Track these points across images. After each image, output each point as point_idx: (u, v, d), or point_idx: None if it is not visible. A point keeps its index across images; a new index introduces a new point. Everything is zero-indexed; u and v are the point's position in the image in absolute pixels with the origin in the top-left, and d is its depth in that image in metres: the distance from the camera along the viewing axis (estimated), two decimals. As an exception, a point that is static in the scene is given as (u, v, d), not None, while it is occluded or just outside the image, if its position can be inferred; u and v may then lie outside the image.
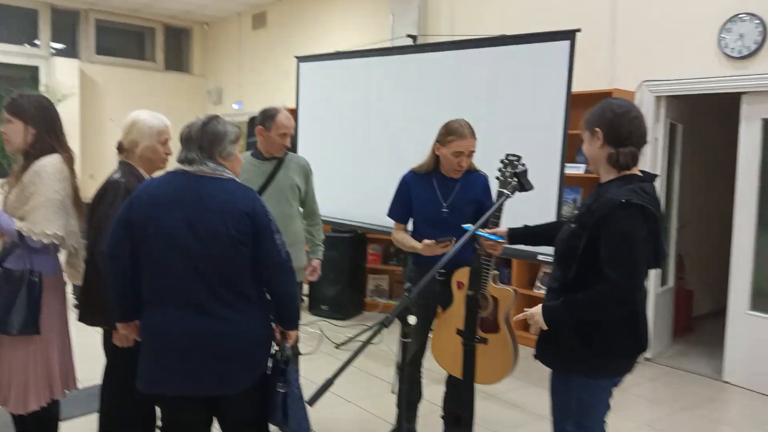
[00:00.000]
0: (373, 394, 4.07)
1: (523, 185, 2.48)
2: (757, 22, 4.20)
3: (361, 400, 3.95)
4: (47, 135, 2.55)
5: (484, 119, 3.81)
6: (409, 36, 5.88)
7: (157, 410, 2.66)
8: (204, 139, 2.18)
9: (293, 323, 2.34)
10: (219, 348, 2.12)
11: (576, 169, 4.87)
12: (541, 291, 5.13)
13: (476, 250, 2.78)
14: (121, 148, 2.67)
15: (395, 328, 1.94)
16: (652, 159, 4.76)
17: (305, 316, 5.82)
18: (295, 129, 3.34)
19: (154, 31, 10.01)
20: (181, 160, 2.20)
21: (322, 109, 5.67)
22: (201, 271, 2.10)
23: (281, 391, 2.24)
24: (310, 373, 3.81)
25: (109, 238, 2.21)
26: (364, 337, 5.06)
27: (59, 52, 9.19)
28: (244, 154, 3.14)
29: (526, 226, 2.62)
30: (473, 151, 2.96)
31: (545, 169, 3.92)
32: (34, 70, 8.96)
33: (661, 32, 4.72)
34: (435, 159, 3.02)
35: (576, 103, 4.02)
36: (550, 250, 3.91)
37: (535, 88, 4.16)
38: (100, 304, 2.48)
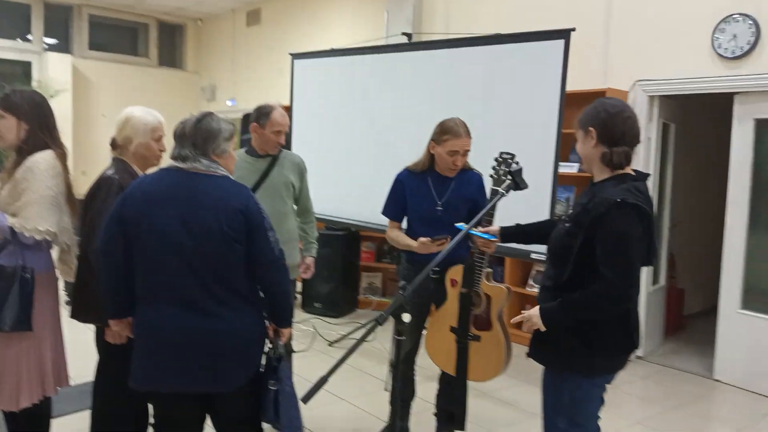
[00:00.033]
0: (366, 391, 4.08)
1: (518, 184, 2.49)
2: (750, 22, 4.22)
3: (355, 397, 3.96)
4: (40, 131, 2.54)
5: (478, 118, 3.82)
6: (404, 34, 5.88)
7: (150, 407, 2.66)
8: (198, 136, 2.18)
9: (287, 321, 2.34)
10: (213, 345, 2.12)
11: (569, 168, 4.89)
12: (533, 289, 5.15)
13: (470, 248, 2.79)
14: (114, 145, 2.66)
15: (388, 325, 1.95)
16: (644, 158, 4.79)
17: (298, 314, 5.82)
18: (290, 126, 3.34)
19: (148, 27, 9.97)
20: (174, 157, 2.20)
21: (316, 106, 5.66)
22: (194, 268, 2.10)
23: (273, 388, 2.24)
24: (303, 371, 3.81)
25: (102, 234, 2.21)
26: (357, 334, 5.09)
27: (52, 48, 9.14)
28: (238, 151, 3.13)
29: (518, 225, 2.64)
30: (468, 150, 2.96)
31: (539, 167, 3.93)
32: (27, 65, 8.91)
33: (655, 32, 4.74)
34: (430, 158, 3.03)
35: (570, 102, 4.03)
36: (542, 248, 3.95)
37: (529, 86, 4.16)
38: (93, 301, 2.47)
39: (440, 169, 3.01)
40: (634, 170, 2.18)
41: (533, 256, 4.16)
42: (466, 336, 2.88)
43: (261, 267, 2.19)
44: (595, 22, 5.03)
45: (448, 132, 2.91)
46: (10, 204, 2.48)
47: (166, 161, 2.31)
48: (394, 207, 3.14)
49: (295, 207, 3.42)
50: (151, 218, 2.11)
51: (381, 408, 3.69)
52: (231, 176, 2.25)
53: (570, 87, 3.97)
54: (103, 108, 9.33)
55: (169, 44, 10.29)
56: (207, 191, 2.13)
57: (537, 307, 2.17)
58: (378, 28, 6.66)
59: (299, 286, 5.93)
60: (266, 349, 2.30)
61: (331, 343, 5.04)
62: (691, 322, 6.03)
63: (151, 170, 2.43)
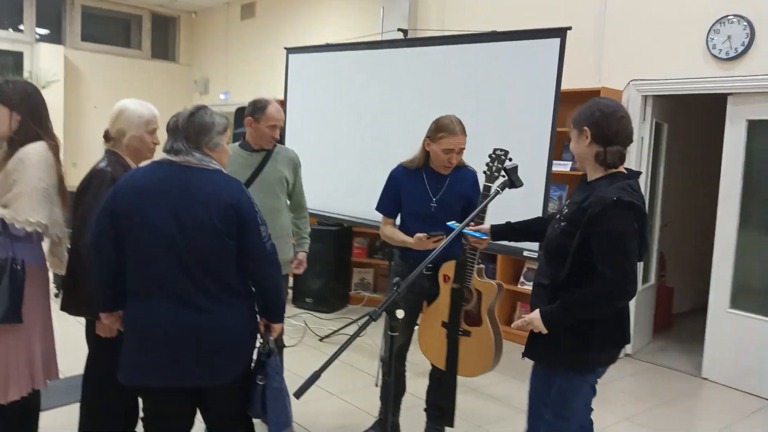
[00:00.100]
0: (356, 387, 4.08)
1: (513, 182, 2.50)
2: (745, 24, 4.24)
3: (345, 393, 3.96)
4: (32, 122, 2.52)
5: (473, 115, 3.81)
6: (400, 30, 5.87)
7: (140, 401, 2.65)
8: (191, 129, 2.17)
9: (278, 316, 2.34)
10: (203, 340, 2.11)
11: (562, 167, 4.90)
12: (525, 286, 5.16)
13: (463, 245, 2.81)
14: (107, 137, 2.64)
15: (379, 321, 1.95)
16: (637, 158, 4.81)
17: (289, 309, 5.81)
18: (284, 121, 3.34)
19: (141, 18, 9.91)
20: (167, 150, 2.18)
21: (310, 101, 5.64)
22: (185, 262, 2.09)
23: (260, 383, 2.24)
24: (293, 366, 3.81)
25: (93, 227, 2.19)
26: (348, 330, 5.09)
27: (44, 38, 9.07)
28: (232, 145, 3.12)
29: (508, 223, 2.67)
30: (463, 148, 2.96)
31: (533, 166, 3.93)
32: (18, 55, 8.84)
33: (650, 32, 4.75)
34: (425, 154, 3.02)
35: (563, 101, 4.04)
36: (535, 246, 3.99)
37: (524, 85, 4.16)
38: (84, 294, 2.46)
39: (435, 166, 3.01)
40: (626, 168, 2.22)
41: (526, 253, 4.17)
42: (457, 331, 2.90)
43: (253, 262, 2.18)
44: (590, 21, 5.04)
45: (443, 129, 2.91)
46: (1, 195, 2.46)
47: (159, 154, 2.30)
48: (388, 203, 3.14)
49: (288, 202, 3.41)
50: (142, 212, 2.10)
51: (371, 403, 3.69)
52: (224, 170, 2.23)
53: (564, 86, 3.97)
54: (94, 100, 9.28)
55: (163, 36, 10.23)
56: (199, 185, 2.12)
57: (537, 311, 2.18)
58: (373, 23, 6.65)
59: (290, 281, 5.92)
60: (258, 344, 2.30)
61: (321, 339, 5.04)
62: (680, 321, 6.07)
63: (144, 163, 2.42)
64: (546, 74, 4.01)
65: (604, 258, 2.05)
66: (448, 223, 2.72)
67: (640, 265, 4.59)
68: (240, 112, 6.17)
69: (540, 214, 4.06)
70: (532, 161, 3.93)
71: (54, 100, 8.16)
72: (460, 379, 3.03)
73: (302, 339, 5.01)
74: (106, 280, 2.21)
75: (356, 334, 1.81)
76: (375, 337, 4.72)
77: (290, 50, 5.84)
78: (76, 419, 2.75)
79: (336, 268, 5.97)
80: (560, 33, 3.97)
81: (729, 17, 4.32)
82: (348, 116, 5.29)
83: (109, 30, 9.85)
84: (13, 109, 2.51)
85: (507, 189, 2.53)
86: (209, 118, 2.20)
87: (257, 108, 3.16)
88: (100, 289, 2.25)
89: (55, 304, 2.66)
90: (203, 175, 2.15)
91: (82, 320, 2.64)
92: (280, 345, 3.38)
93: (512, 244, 3.73)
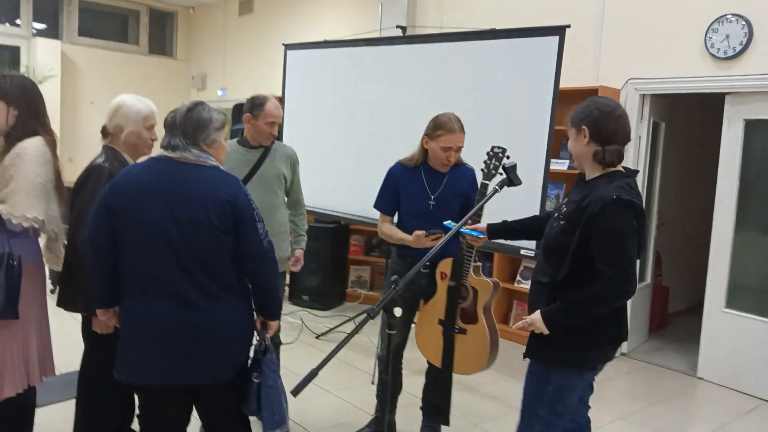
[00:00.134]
0: (352, 384, 4.08)
1: (512, 180, 2.50)
2: (744, 23, 4.25)
3: (341, 390, 3.96)
4: (30, 117, 2.51)
5: (471, 113, 3.82)
6: (399, 27, 5.86)
7: (136, 398, 2.65)
8: (188, 125, 2.16)
9: (275, 314, 2.33)
10: (200, 338, 2.11)
11: (560, 165, 4.91)
12: (521, 285, 5.17)
13: (460, 243, 2.81)
14: (105, 133, 2.63)
15: (376, 318, 1.95)
16: (634, 157, 4.81)
17: (286, 306, 5.80)
18: (282, 118, 3.33)
19: (139, 14, 9.88)
20: (164, 146, 2.18)
21: (308, 97, 5.63)
22: (182, 259, 2.08)
23: (256, 381, 2.24)
24: (289, 363, 3.81)
25: (89, 223, 2.18)
26: (344, 327, 5.09)
27: (41, 33, 9.03)
28: (230, 141, 3.11)
29: (504, 222, 2.67)
30: (461, 146, 2.95)
31: (531, 164, 3.93)
32: (15, 50, 8.80)
33: (648, 31, 4.75)
34: (424, 152, 3.02)
35: (561, 99, 4.04)
36: (532, 244, 3.99)
37: (522, 82, 4.16)
38: (80, 290, 2.46)
39: (433, 164, 3.01)
40: (624, 167, 2.23)
41: (523, 252, 4.17)
42: (453, 328, 2.90)
43: (249, 259, 2.18)
44: (589, 19, 5.04)
45: (441, 127, 2.90)
46: (-3, 190, 2.45)
47: (157, 150, 2.30)
48: (386, 201, 3.13)
49: (285, 199, 3.40)
50: (138, 208, 2.09)
51: (367, 401, 3.70)
52: (221, 167, 2.23)
53: (562, 84, 3.97)
54: (91, 95, 9.25)
55: (160, 32, 10.20)
56: (196, 181, 2.11)
57: (538, 312, 2.18)
58: (372, 20, 6.63)
59: (287, 278, 5.91)
60: (254, 341, 2.30)
61: (318, 336, 5.04)
62: (676, 320, 6.08)
63: (141, 159, 2.41)
64: (544, 72, 4.01)
65: (603, 257, 2.06)
66: (445, 223, 2.73)
67: (636, 264, 4.60)
68: (237, 109, 6.16)
69: (537, 213, 4.06)
70: (530, 159, 3.93)
71: (51, 95, 8.12)
72: (456, 377, 3.04)
73: (299, 336, 5.01)
74: (102, 276, 2.20)
75: (354, 332, 1.80)
76: (371, 334, 4.72)
77: (288, 47, 5.83)
78: (72, 416, 2.75)
79: (333, 265, 5.97)
80: (559, 31, 3.96)
81: (727, 16, 4.33)
82: (346, 113, 5.28)
83: (106, 25, 9.82)
84: (10, 103, 2.49)
85: (505, 187, 2.53)
86: (207, 114, 2.19)
87: (256, 104, 3.15)
88: (97, 285, 2.24)
89: (51, 300, 2.65)
90: (200, 171, 2.14)
91: (78, 316, 2.64)
92: (276, 342, 3.38)
93: (509, 242, 3.74)
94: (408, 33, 5.88)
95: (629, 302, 5.02)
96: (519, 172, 2.53)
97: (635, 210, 2.08)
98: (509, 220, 2.69)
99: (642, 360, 4.96)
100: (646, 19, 4.76)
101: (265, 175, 3.21)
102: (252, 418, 2.38)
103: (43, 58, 8.54)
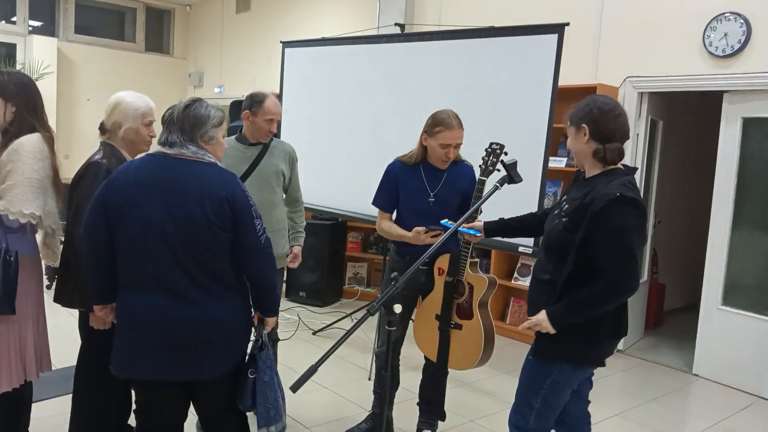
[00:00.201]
0: (349, 380, 4.09)
1: (513, 177, 2.50)
2: (742, 21, 4.25)
3: (338, 386, 3.97)
4: (27, 113, 2.50)
5: (470, 110, 3.81)
6: (397, 24, 5.86)
7: (133, 393, 2.65)
8: (185, 121, 2.15)
9: (272, 310, 2.33)
10: (196, 333, 2.11)
11: (557, 163, 4.91)
12: (518, 282, 5.18)
13: (458, 240, 2.82)
14: (103, 129, 2.63)
15: (373, 315, 1.95)
16: (632, 154, 4.82)
17: (282, 303, 5.80)
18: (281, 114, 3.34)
19: (135, 11, 9.85)
20: (162, 143, 2.17)
21: (306, 94, 5.63)
22: (179, 255, 2.08)
23: (251, 376, 2.24)
24: (287, 360, 3.81)
25: (85, 219, 2.18)
26: (341, 324, 5.10)
27: (37, 30, 9.01)
28: (228, 138, 3.11)
29: (501, 220, 2.67)
30: (460, 143, 2.95)
31: (529, 161, 3.93)
32: (11, 47, 8.78)
33: (647, 29, 4.76)
34: (423, 150, 3.01)
35: (560, 97, 4.04)
36: (530, 242, 4.00)
37: (521, 80, 4.16)
38: (77, 286, 2.45)
39: (433, 161, 3.00)
40: (623, 165, 2.25)
41: (521, 249, 4.18)
42: (448, 324, 2.91)
43: (247, 255, 2.17)
44: (587, 18, 5.04)
45: (440, 124, 2.90)
46: (-5, 186, 2.45)
47: (155, 147, 2.29)
48: (385, 198, 3.12)
49: (284, 196, 3.40)
50: (135, 205, 2.09)
51: (364, 397, 3.70)
52: (219, 163, 2.23)
53: (560, 82, 3.98)
54: (88, 92, 9.23)
55: (157, 29, 10.18)
56: (193, 178, 2.11)
57: (543, 312, 2.18)
58: (370, 17, 6.63)
59: (284, 274, 5.91)
60: (252, 337, 2.30)
61: (315, 333, 5.04)
62: (672, 318, 6.10)
63: (139, 156, 2.41)
64: (543, 70, 4.01)
65: (607, 254, 2.08)
66: (443, 221, 2.73)
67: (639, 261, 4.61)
68: (235, 106, 6.15)
69: (535, 210, 4.07)
70: (529, 157, 3.94)
71: (47, 92, 8.09)
72: (453, 373, 3.04)
73: (295, 333, 5.01)
74: (99, 272, 2.20)
75: (354, 329, 1.81)
76: (368, 331, 4.73)
77: (286, 44, 5.82)
78: (69, 411, 2.74)
79: (330, 262, 5.97)
80: (558, 29, 3.97)
81: (726, 15, 4.34)
82: (344, 110, 5.28)
83: (102, 22, 9.79)
84: (8, 100, 2.49)
85: (506, 184, 2.53)
86: (205, 110, 2.19)
87: (255, 101, 3.14)
88: (94, 281, 2.24)
89: (48, 296, 2.65)
90: (198, 167, 2.14)
91: (74, 312, 2.63)
92: (274, 338, 3.38)
93: (507, 239, 3.75)
94: (406, 30, 5.88)
95: (626, 299, 5.02)
96: (517, 169, 2.53)
97: (638, 207, 2.10)
98: (506, 217, 2.69)
99: (638, 357, 4.97)
100: (645, 17, 4.76)
101: (264, 172, 3.20)
102: (249, 414, 2.38)
103: (39, 56, 8.52)
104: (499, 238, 3.04)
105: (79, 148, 8.49)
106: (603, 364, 2.28)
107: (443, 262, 2.92)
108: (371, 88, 5.07)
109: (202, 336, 2.11)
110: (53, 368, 2.79)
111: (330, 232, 5.96)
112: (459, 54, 4.52)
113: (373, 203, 3.17)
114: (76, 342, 2.69)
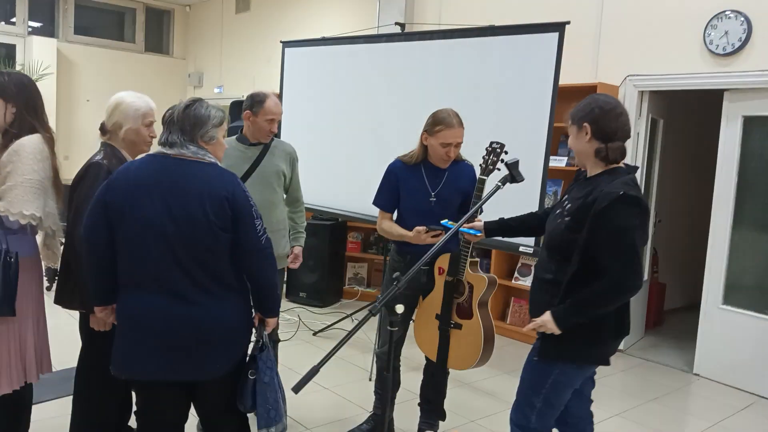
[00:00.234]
0: (350, 381, 4.08)
1: (515, 177, 2.50)
2: (742, 19, 4.25)
3: (338, 386, 3.96)
4: (27, 114, 2.49)
5: (470, 109, 3.80)
6: (397, 24, 5.86)
7: (134, 394, 2.64)
8: (186, 121, 2.15)
9: (272, 311, 2.32)
10: (197, 334, 2.10)
11: (558, 162, 4.91)
12: (519, 282, 5.17)
13: (459, 240, 2.81)
14: (104, 130, 2.62)
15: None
16: (632, 153, 4.81)
17: (283, 303, 5.79)
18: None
19: (135, 12, 9.85)
20: (162, 143, 2.17)
21: (306, 94, 5.63)
22: (179, 256, 2.07)
23: (251, 377, 2.23)
24: (287, 360, 3.81)
25: (86, 220, 2.18)
26: (342, 325, 5.09)
27: (36, 31, 9.00)
28: (229, 138, 3.10)
29: (501, 219, 2.67)
30: (461, 142, 2.94)
31: (530, 160, 3.93)
32: (11, 48, 8.77)
33: (647, 27, 4.75)
34: (423, 149, 3.01)
35: (560, 96, 4.04)
36: (530, 241, 3.99)
37: (522, 79, 4.16)
38: (78, 287, 2.45)
39: (433, 160, 3.00)
40: (624, 163, 2.25)
41: (521, 249, 4.18)
42: (448, 323, 2.91)
43: (247, 256, 2.17)
44: (587, 16, 5.03)
45: (440, 123, 2.89)
46: (-5, 187, 2.44)
47: (155, 147, 2.29)
48: (386, 198, 3.11)
49: (284, 196, 3.40)
50: (135, 205, 2.08)
51: (364, 397, 3.70)
52: (219, 163, 2.22)
53: (561, 81, 3.97)
54: (86, 92, 9.23)
55: (156, 30, 10.17)
56: (193, 178, 2.10)
57: (548, 312, 2.18)
58: (370, 17, 6.63)
59: (284, 275, 5.91)
60: (252, 338, 2.29)
61: (315, 333, 5.04)
62: (672, 317, 6.10)
63: (140, 156, 2.40)
64: (544, 69, 4.01)
65: (611, 252, 2.07)
66: (443, 221, 2.73)
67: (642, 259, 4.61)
68: (235, 106, 6.15)
69: (536, 210, 4.06)
70: (529, 156, 3.93)
71: (47, 93, 8.04)
72: (453, 373, 3.04)
73: (296, 333, 5.00)
74: (99, 272, 2.19)
75: (356, 329, 1.80)
76: (369, 331, 4.72)
77: (286, 44, 5.82)
78: (69, 412, 2.74)
79: (330, 262, 5.97)
80: (558, 28, 3.96)
81: (726, 13, 4.33)
82: (344, 110, 5.28)
83: (102, 23, 9.78)
84: (8, 100, 2.48)
85: (508, 184, 2.53)
86: (205, 111, 2.19)
87: (255, 101, 3.14)
88: (94, 282, 2.23)
89: (48, 297, 2.64)
90: (198, 168, 2.13)
91: (75, 313, 2.63)
92: (275, 339, 3.38)
93: (508, 239, 3.74)
94: (406, 30, 5.88)
95: (627, 298, 5.01)
96: (519, 168, 2.52)
97: (640, 206, 2.10)
98: (506, 217, 2.69)
99: (638, 357, 4.97)
100: (645, 15, 4.76)
101: (265, 172, 3.20)
102: (251, 415, 2.38)
103: (39, 56, 8.51)
104: (500, 238, 3.03)
105: (79, 148, 8.49)
106: (607, 363, 2.28)
107: (443, 261, 2.92)
108: (371, 87, 5.06)
109: (203, 336, 2.11)
110: (53, 370, 2.79)
111: (330, 233, 5.95)
112: (459, 53, 4.51)
113: (374, 203, 3.16)
114: (76, 343, 2.68)
